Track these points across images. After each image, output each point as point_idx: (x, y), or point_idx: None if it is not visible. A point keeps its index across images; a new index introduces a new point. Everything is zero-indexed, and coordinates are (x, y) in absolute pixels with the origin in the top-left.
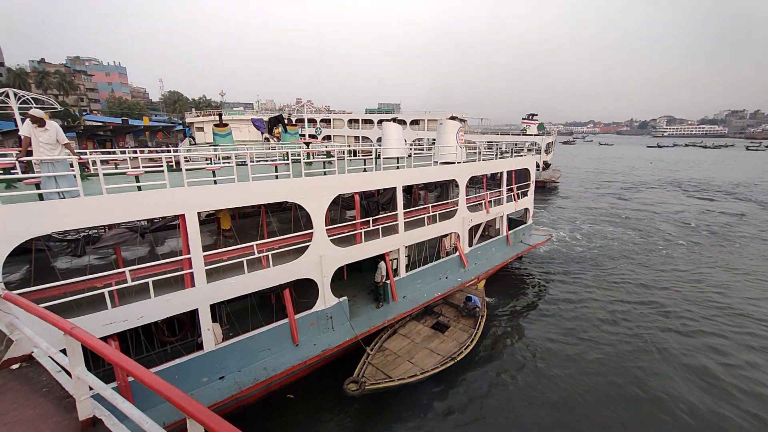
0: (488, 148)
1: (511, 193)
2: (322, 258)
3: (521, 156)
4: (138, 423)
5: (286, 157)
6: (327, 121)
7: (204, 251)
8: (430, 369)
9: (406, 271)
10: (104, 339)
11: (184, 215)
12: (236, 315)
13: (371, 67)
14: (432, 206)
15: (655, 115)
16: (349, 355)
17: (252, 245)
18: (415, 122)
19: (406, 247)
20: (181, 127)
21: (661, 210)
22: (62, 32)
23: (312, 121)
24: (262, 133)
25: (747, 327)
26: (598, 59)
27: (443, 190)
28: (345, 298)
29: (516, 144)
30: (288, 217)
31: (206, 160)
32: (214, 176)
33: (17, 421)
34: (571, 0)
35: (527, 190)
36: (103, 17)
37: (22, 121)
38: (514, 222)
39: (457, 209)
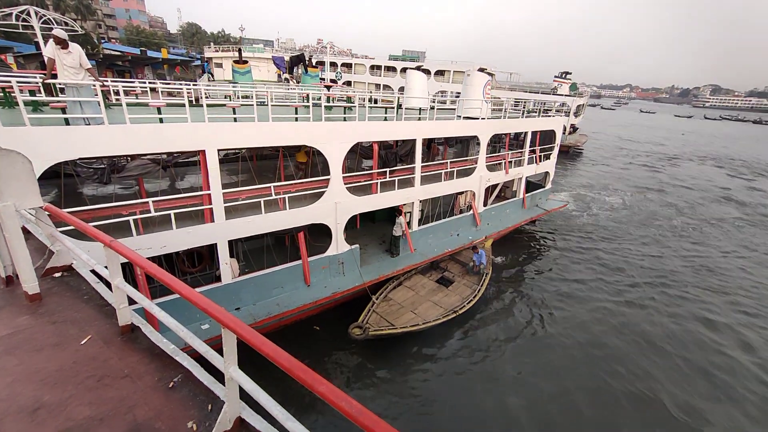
0: (515, 106)
1: (533, 155)
2: (337, 205)
3: (548, 117)
4: (174, 330)
5: (306, 100)
6: (348, 65)
7: (223, 189)
8: (432, 320)
9: (419, 225)
10: None
11: (204, 151)
12: (252, 253)
13: (399, 6)
14: (451, 162)
15: (699, 83)
16: (357, 300)
17: (270, 186)
18: (440, 73)
19: (421, 201)
20: (199, 62)
21: (691, 184)
22: None
23: (333, 64)
24: (283, 73)
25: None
26: (641, 19)
27: (464, 146)
28: (357, 245)
29: (544, 104)
30: (304, 162)
31: (225, 97)
32: (234, 113)
33: (64, 320)
34: None
35: (550, 154)
36: None
37: (45, 41)
38: (532, 185)
39: (475, 167)
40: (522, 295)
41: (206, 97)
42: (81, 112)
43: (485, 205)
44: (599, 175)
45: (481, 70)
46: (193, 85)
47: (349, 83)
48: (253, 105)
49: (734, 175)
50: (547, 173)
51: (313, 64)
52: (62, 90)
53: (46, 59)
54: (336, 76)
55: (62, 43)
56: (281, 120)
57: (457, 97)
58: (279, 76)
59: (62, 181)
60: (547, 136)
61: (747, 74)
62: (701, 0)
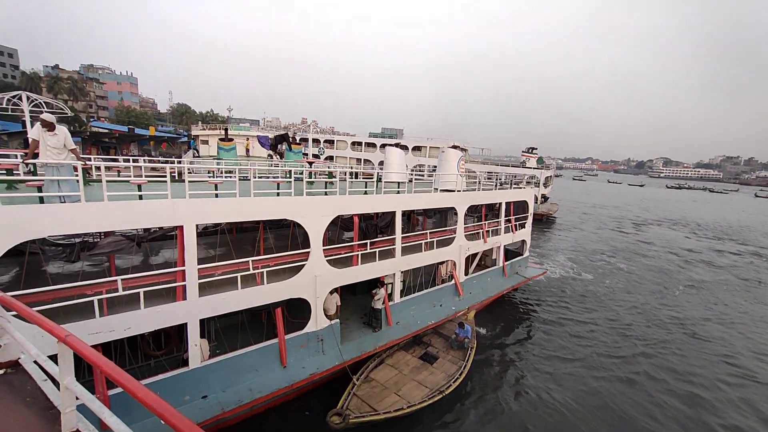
0: (488, 179)
1: (509, 224)
2: (317, 278)
3: (520, 188)
4: None
5: (288, 175)
6: (330, 141)
7: (198, 264)
8: (418, 402)
9: (401, 296)
10: None
11: (182, 226)
12: (225, 331)
13: (377, 88)
14: (430, 232)
15: (651, 155)
16: (338, 380)
17: (248, 261)
18: (417, 148)
19: (402, 272)
20: (186, 139)
21: (661, 246)
22: (81, 40)
23: (316, 141)
24: (267, 150)
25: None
26: (598, 97)
27: (442, 217)
28: (337, 320)
29: (515, 176)
30: (285, 234)
31: (209, 173)
32: (216, 189)
33: None
34: (577, 38)
35: (525, 222)
36: (120, 28)
37: (32, 123)
38: (510, 253)
39: (455, 237)
40: (508, 369)
41: (189, 173)
42: (59, 190)
43: (466, 274)
44: (574, 240)
45: (455, 147)
46: (177, 161)
47: (331, 158)
48: (235, 180)
49: (696, 237)
50: (524, 241)
51: (297, 141)
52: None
53: (30, 140)
54: (318, 152)
55: (49, 126)
56: (263, 195)
57: (434, 170)
58: (271, 156)
59: (26, 259)
60: (521, 206)
61: (694, 147)
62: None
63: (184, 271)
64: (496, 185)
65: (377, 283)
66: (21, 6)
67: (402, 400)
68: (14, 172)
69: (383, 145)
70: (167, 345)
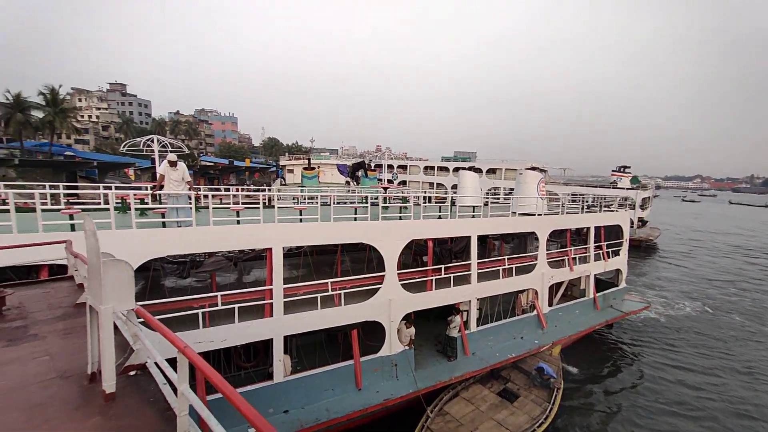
0: (572, 201)
1: (600, 251)
2: (391, 302)
3: (611, 211)
4: None
5: (365, 201)
6: (404, 167)
7: (283, 284)
8: None
9: (477, 325)
10: None
11: (271, 248)
12: (305, 349)
13: (451, 114)
14: (508, 258)
15: None
16: (411, 408)
17: (327, 282)
18: (491, 171)
19: (478, 299)
20: (274, 169)
21: None
22: (197, 87)
23: (390, 167)
24: (345, 177)
25: None
26: (703, 109)
27: (521, 242)
28: (411, 347)
29: (605, 198)
30: (361, 258)
31: (293, 199)
32: (300, 214)
33: (129, 425)
34: (663, 46)
35: (619, 249)
36: (227, 75)
37: (160, 161)
38: (602, 284)
39: (536, 264)
40: (605, 421)
41: (277, 200)
42: (177, 216)
43: (550, 305)
44: (683, 271)
45: (534, 168)
46: (267, 188)
47: (404, 183)
48: (317, 206)
49: None
50: (618, 270)
51: (372, 167)
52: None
53: (158, 175)
54: (392, 177)
55: (173, 164)
56: (342, 219)
57: (510, 193)
58: (348, 182)
59: (151, 274)
60: (613, 231)
61: None
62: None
63: (271, 290)
64: (582, 208)
65: (452, 310)
66: (153, 61)
67: None
68: (144, 201)
69: (456, 169)
70: (255, 358)
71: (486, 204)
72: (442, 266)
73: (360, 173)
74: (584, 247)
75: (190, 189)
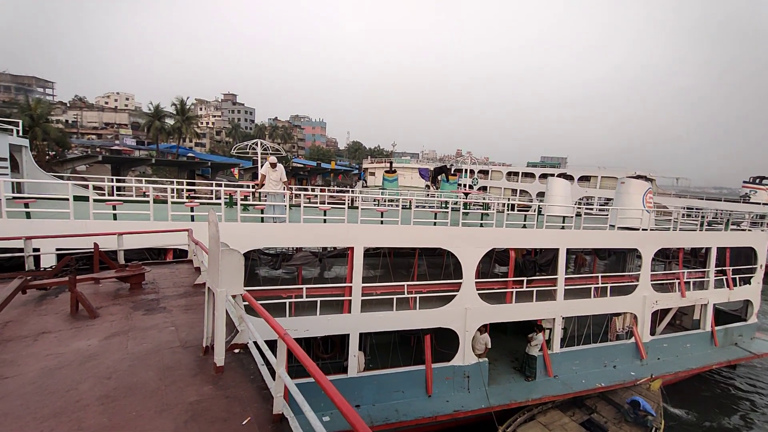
0: (688, 215)
1: (724, 277)
2: (467, 311)
3: (742, 230)
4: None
5: (445, 205)
6: (485, 172)
7: (362, 282)
8: None
9: (561, 346)
10: None
11: (353, 247)
12: (378, 348)
13: (543, 119)
14: (602, 276)
15: None
16: (480, 425)
17: (403, 285)
18: (584, 178)
19: (563, 317)
20: (357, 171)
21: None
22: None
23: (470, 171)
24: (426, 181)
25: None
26: None
27: (619, 259)
28: (485, 360)
29: (731, 213)
30: (438, 263)
31: (374, 201)
32: (382, 217)
33: (234, 397)
34: None
35: (751, 277)
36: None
37: (261, 163)
38: (725, 316)
39: (636, 285)
40: None
41: (360, 201)
42: (273, 213)
43: (653, 333)
44: None
45: (638, 176)
46: (351, 190)
47: (485, 189)
48: (398, 209)
49: None
50: (748, 302)
51: (452, 172)
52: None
53: (260, 175)
54: (472, 183)
55: (274, 165)
56: (421, 224)
57: (607, 203)
58: (428, 186)
59: (248, 264)
60: (744, 255)
61: None
62: None
63: (351, 287)
64: (701, 224)
65: (534, 326)
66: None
67: None
68: (247, 198)
69: (543, 175)
70: (332, 351)
71: (578, 215)
72: (524, 279)
73: (441, 178)
74: (702, 270)
75: (285, 189)
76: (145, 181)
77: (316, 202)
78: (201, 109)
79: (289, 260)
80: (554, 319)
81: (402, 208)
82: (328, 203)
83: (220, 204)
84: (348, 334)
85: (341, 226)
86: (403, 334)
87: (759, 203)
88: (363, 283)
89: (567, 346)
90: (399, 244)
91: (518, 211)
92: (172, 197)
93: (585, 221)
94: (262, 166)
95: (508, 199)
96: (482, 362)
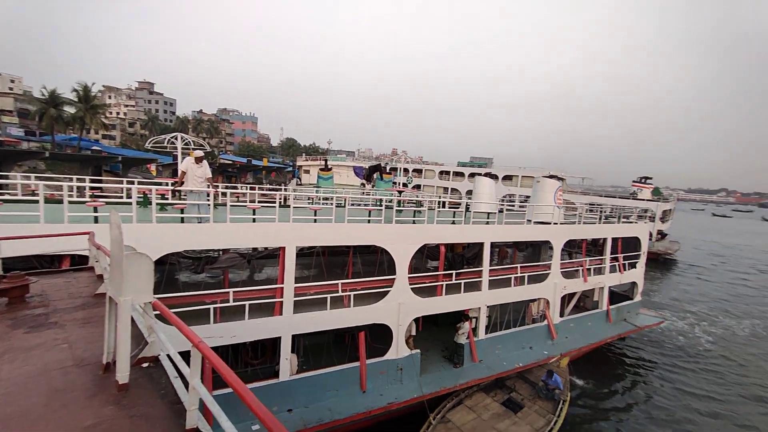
0: (590, 211)
1: (616, 263)
2: (400, 305)
3: (630, 222)
4: None
5: (379, 203)
6: (419, 171)
7: (294, 283)
8: None
9: (486, 332)
10: None
11: (284, 247)
12: (312, 349)
13: (474, 120)
14: (521, 267)
15: None
16: (415, 413)
17: (338, 283)
18: (508, 177)
19: (488, 306)
20: (291, 169)
21: None
22: (222, 85)
23: (405, 170)
24: (361, 180)
25: None
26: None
27: (534, 251)
28: (418, 351)
29: (623, 209)
30: (372, 260)
31: (308, 199)
32: (315, 215)
33: (140, 415)
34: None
35: (636, 262)
36: (249, 75)
37: (182, 158)
38: (617, 296)
39: (549, 273)
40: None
41: (293, 200)
42: (198, 212)
43: (562, 315)
44: (702, 287)
45: (552, 176)
46: (284, 188)
47: (418, 187)
48: (332, 207)
49: None
50: (634, 284)
51: (387, 170)
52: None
53: (179, 172)
54: (407, 181)
55: (199, 160)
56: (356, 221)
57: (526, 200)
58: (363, 184)
59: (166, 268)
60: (631, 243)
61: None
62: None
63: (282, 288)
64: (600, 218)
65: (462, 316)
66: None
67: None
68: (165, 196)
69: (472, 174)
70: (263, 356)
71: (501, 211)
72: (453, 272)
73: (375, 176)
74: (600, 258)
75: (209, 186)
76: (35, 177)
77: (246, 201)
78: (110, 97)
79: (213, 263)
80: (480, 308)
81: (336, 207)
82: (259, 202)
83: (131, 204)
84: (280, 337)
85: (271, 225)
86: (338, 333)
87: (643, 199)
88: (296, 283)
89: (491, 333)
90: (333, 243)
91: (449, 208)
92: (71, 196)
93: (507, 216)
94: (182, 161)
95: (439, 196)
96: (414, 354)
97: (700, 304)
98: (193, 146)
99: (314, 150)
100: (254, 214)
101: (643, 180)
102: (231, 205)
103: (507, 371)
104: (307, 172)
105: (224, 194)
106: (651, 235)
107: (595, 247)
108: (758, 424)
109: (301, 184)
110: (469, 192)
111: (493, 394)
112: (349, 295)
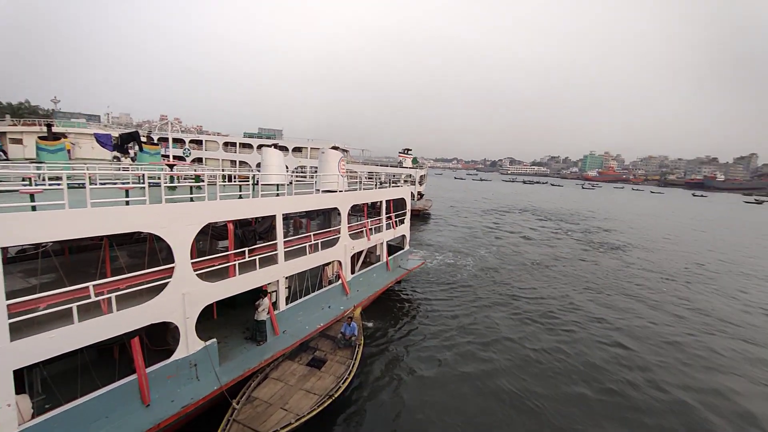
0: (369, 178)
1: (390, 221)
2: (185, 296)
3: (398, 186)
4: None
5: (141, 180)
6: (198, 142)
7: (15, 297)
8: (306, 413)
9: (287, 303)
10: None
11: None
12: (61, 378)
13: (259, 88)
14: (314, 234)
15: (501, 155)
16: (220, 405)
17: (87, 286)
18: (297, 149)
19: (286, 278)
20: None
21: (509, 231)
22: None
23: (179, 141)
24: (110, 151)
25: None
26: (463, 102)
27: (326, 218)
28: (214, 340)
29: (394, 175)
30: (142, 251)
31: (23, 180)
32: (33, 201)
33: None
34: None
35: (404, 218)
36: None
37: None
38: (393, 248)
39: (339, 237)
40: (398, 362)
41: None
42: None
43: (353, 272)
44: (448, 231)
45: (335, 148)
46: None
47: (200, 160)
48: (63, 188)
49: (542, 219)
50: (404, 236)
51: (153, 141)
52: None
53: None
54: (184, 153)
55: None
56: (106, 204)
57: (316, 172)
58: (117, 158)
59: None
60: (400, 204)
61: (531, 149)
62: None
63: None
64: (376, 184)
65: (260, 293)
66: None
67: (289, 414)
68: None
69: (260, 146)
70: None
71: (291, 183)
72: (246, 249)
73: (133, 147)
74: (378, 218)
75: None
76: None
77: None
78: None
79: None
80: (278, 281)
81: (72, 188)
82: None
83: None
84: None
85: None
86: (101, 347)
87: (406, 168)
88: (10, 299)
89: (291, 302)
90: (70, 236)
91: (239, 182)
92: None
93: (298, 188)
94: None
95: (223, 170)
96: (210, 344)
97: (450, 242)
98: None
99: (29, 111)
100: None
101: (405, 151)
102: None
103: (308, 334)
104: (19, 142)
105: None
106: (413, 195)
107: (373, 209)
108: (498, 321)
109: (6, 159)
110: (259, 165)
111: (299, 359)
112: (110, 298)
